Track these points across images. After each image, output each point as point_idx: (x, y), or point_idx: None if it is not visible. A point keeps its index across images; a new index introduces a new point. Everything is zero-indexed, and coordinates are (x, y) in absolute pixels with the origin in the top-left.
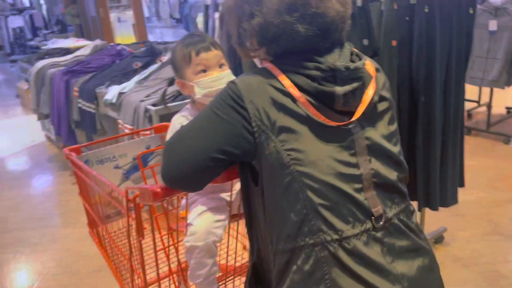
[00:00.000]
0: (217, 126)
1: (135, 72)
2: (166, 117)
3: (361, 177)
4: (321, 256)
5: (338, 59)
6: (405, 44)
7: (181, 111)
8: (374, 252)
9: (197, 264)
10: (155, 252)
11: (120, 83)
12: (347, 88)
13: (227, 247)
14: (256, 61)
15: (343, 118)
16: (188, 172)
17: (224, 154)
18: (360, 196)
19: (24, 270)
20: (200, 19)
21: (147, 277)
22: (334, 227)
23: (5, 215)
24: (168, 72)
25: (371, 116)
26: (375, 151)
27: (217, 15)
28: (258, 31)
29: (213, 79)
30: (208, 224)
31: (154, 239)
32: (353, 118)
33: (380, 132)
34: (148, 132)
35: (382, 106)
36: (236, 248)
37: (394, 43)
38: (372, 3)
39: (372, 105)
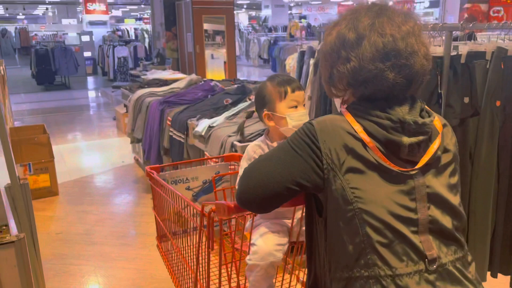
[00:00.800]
0: (293, 159)
1: (225, 108)
2: None
3: (418, 221)
4: None
5: (407, 112)
6: (510, 105)
7: (256, 141)
8: None
9: (256, 282)
10: (220, 266)
11: (210, 117)
12: (413, 139)
13: (282, 277)
14: (337, 102)
15: (406, 166)
16: (263, 196)
17: (298, 186)
18: (415, 238)
19: (102, 284)
20: (289, 61)
21: None
22: (388, 264)
23: (92, 229)
24: None
25: (434, 167)
26: (435, 199)
27: (312, 61)
28: (351, 73)
29: (302, 114)
30: (270, 246)
31: (220, 254)
32: (416, 167)
33: (441, 182)
34: (218, 160)
35: (445, 159)
36: (290, 278)
37: (498, 103)
38: (476, 60)
39: (435, 157)
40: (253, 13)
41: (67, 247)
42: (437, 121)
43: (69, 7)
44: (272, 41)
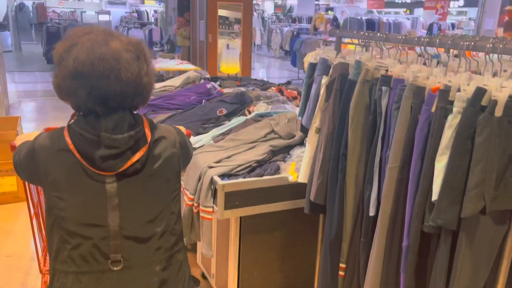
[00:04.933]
0: None
1: (217, 120)
2: (235, 195)
3: (108, 228)
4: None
5: (111, 127)
6: None
7: None
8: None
9: None
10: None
11: (196, 132)
12: (105, 152)
13: None
14: None
15: (103, 175)
16: None
17: None
18: (102, 243)
19: None
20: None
21: None
22: (75, 262)
23: None
24: (252, 134)
25: (134, 176)
26: (129, 207)
27: (324, 80)
28: (56, 88)
29: None
30: None
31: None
32: (109, 173)
33: (141, 191)
34: None
35: (152, 169)
36: None
37: None
38: None
39: (134, 168)
40: (279, 1)
41: (8, 276)
42: (149, 136)
43: None
44: (295, 33)
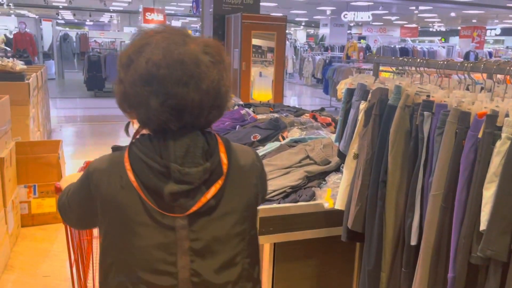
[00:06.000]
0: None
1: (252, 145)
2: (270, 221)
3: (177, 275)
4: None
5: (182, 155)
6: None
7: None
8: None
9: None
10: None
11: None
12: (175, 188)
13: None
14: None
15: (174, 212)
16: None
17: None
18: None
19: None
20: (341, 86)
21: None
22: None
23: (90, 276)
24: (286, 159)
25: (207, 216)
26: (202, 251)
27: (362, 105)
28: (121, 96)
29: None
30: None
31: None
32: (181, 215)
33: (215, 233)
34: None
35: (226, 206)
36: None
37: None
38: None
39: (208, 206)
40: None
41: None
42: (225, 164)
43: (131, 15)
44: (327, 61)
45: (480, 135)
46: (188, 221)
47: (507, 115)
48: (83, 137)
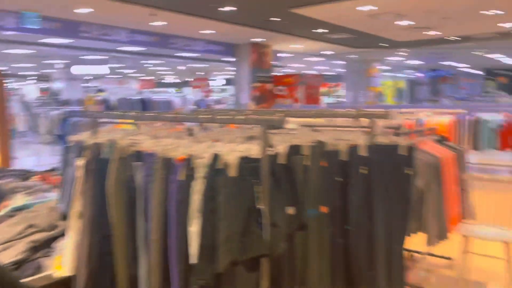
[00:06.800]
0: None
1: None
2: None
3: None
4: None
5: None
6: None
7: None
8: None
9: None
10: None
11: None
12: None
13: None
14: None
15: None
16: None
17: None
18: None
19: None
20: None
21: None
22: None
23: None
24: (5, 232)
25: None
26: None
27: (79, 161)
28: None
29: None
30: None
31: None
32: None
33: None
34: None
35: None
36: None
37: (324, 209)
38: (295, 155)
39: None
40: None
41: None
42: None
43: None
44: (65, 116)
45: (182, 178)
46: None
47: (201, 158)
48: None
